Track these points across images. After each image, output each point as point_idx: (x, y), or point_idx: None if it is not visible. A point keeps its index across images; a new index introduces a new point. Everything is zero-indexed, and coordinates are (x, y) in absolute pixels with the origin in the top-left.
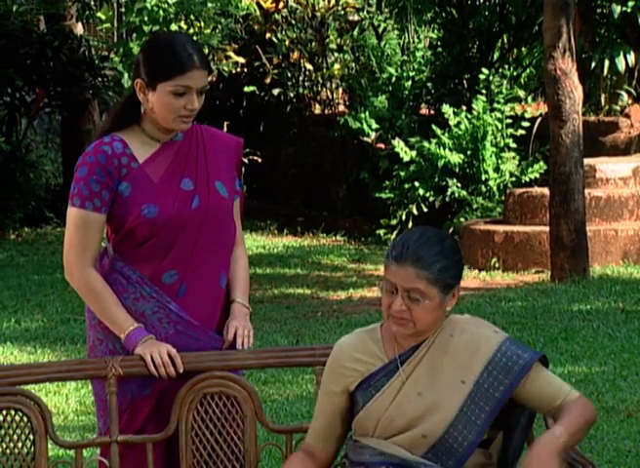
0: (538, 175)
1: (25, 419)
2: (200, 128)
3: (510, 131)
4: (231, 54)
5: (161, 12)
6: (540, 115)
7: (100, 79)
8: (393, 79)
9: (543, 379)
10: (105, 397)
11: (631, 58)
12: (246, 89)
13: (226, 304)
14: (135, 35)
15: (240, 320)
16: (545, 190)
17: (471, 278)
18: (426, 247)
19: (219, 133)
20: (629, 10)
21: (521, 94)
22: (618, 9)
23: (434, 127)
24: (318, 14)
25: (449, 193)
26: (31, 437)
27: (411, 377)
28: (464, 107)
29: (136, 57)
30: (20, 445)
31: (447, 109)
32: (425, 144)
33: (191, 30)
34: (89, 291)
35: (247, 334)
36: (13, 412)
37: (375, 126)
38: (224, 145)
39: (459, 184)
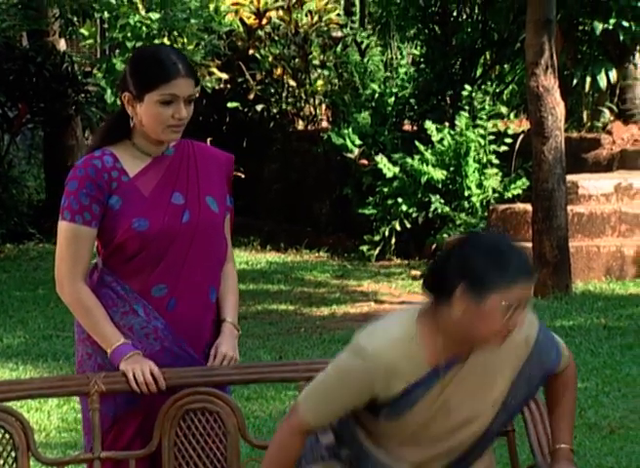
0: (520, 192)
1: (7, 436)
2: (191, 143)
3: (493, 147)
4: (215, 70)
5: (144, 28)
6: (523, 132)
7: (82, 95)
8: (376, 95)
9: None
10: (88, 413)
11: (613, 74)
12: (229, 105)
13: (216, 319)
14: (118, 51)
15: (229, 346)
16: (528, 206)
17: None
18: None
19: (209, 148)
20: (611, 27)
21: (503, 110)
22: (599, 26)
23: (417, 143)
24: (301, 30)
25: (432, 209)
26: (13, 454)
27: (452, 384)
28: (447, 124)
29: (121, 72)
30: (1, 462)
31: (430, 125)
32: (408, 160)
33: (175, 46)
34: (79, 305)
35: (231, 366)
36: None
37: (358, 142)
38: (215, 161)
39: (442, 200)
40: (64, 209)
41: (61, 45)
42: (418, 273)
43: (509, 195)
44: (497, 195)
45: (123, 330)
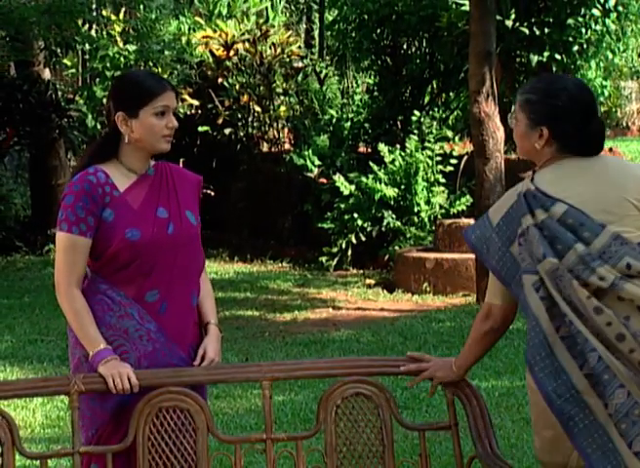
0: (465, 208)
1: None
2: (167, 165)
3: (440, 167)
4: (186, 97)
5: (122, 58)
6: (467, 153)
7: (65, 120)
8: (334, 120)
9: None
10: (88, 411)
11: None
12: (200, 128)
13: (197, 322)
14: (98, 80)
15: (215, 351)
16: (472, 221)
17: (405, 300)
18: (537, 81)
19: (183, 169)
20: (545, 59)
21: (449, 134)
22: (535, 58)
23: (371, 163)
24: (265, 61)
25: (385, 224)
26: None
27: None
28: (398, 146)
29: (101, 99)
30: None
31: (383, 148)
32: (363, 179)
33: None
34: (70, 309)
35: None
36: None
37: (317, 162)
38: (189, 181)
39: (393, 216)
40: (62, 221)
41: (46, 74)
42: (372, 282)
43: (455, 211)
44: (443, 211)
45: (119, 332)
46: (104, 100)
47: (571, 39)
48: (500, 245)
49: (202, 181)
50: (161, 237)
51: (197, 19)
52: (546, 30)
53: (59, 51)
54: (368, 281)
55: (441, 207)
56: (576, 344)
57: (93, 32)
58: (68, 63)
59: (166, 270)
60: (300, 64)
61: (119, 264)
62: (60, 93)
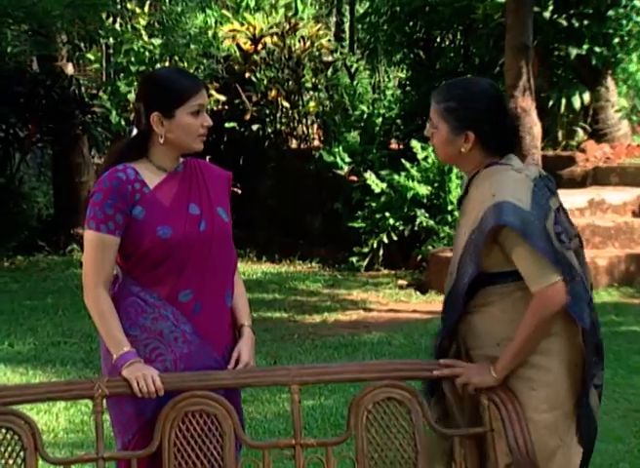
0: None
1: (16, 437)
2: (196, 161)
3: None
4: (213, 92)
5: (147, 53)
6: None
7: (89, 116)
8: (365, 116)
9: (510, 248)
10: (123, 416)
11: (586, 96)
12: (227, 125)
13: (231, 323)
14: (122, 75)
15: (250, 354)
16: None
17: (438, 302)
18: (452, 87)
19: (212, 165)
20: (584, 52)
21: None
22: (573, 51)
23: (403, 160)
24: (294, 55)
25: (417, 223)
26: (22, 454)
27: (460, 213)
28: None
29: (125, 94)
30: (10, 461)
31: (415, 144)
32: (395, 177)
33: None
34: (96, 309)
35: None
36: (4, 431)
37: (348, 160)
38: (218, 177)
39: (426, 214)
40: (90, 219)
41: (69, 69)
42: (404, 282)
43: None
44: None
45: (154, 334)
46: (129, 96)
47: (611, 31)
48: (542, 226)
49: (232, 177)
50: (193, 234)
51: (224, 11)
52: (585, 22)
53: (82, 45)
54: (400, 282)
55: None
56: None
57: (117, 26)
58: (92, 58)
59: (198, 269)
60: (330, 58)
61: (151, 263)
62: (83, 88)
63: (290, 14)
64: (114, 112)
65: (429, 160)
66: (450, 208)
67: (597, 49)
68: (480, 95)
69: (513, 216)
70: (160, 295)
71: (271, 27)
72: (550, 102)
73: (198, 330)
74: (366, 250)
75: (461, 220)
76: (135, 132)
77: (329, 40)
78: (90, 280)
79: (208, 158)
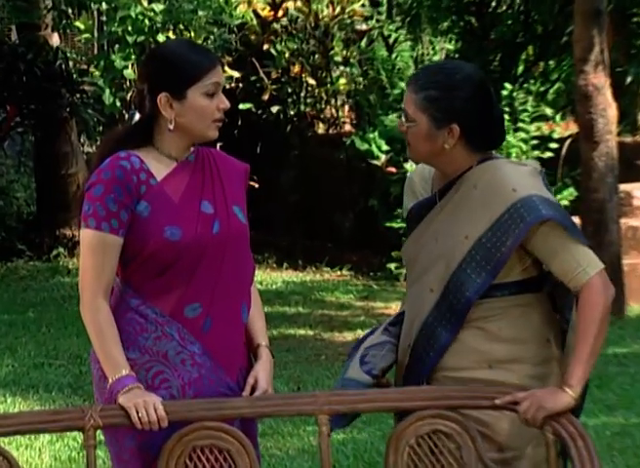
0: (567, 203)
1: None
2: (209, 150)
3: (536, 153)
4: (225, 67)
5: (147, 21)
6: (570, 136)
7: (78, 95)
8: None
9: (552, 244)
10: (121, 453)
11: None
12: (241, 106)
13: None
14: (117, 47)
15: (269, 380)
16: (576, 220)
17: None
18: (431, 73)
19: (227, 156)
20: None
21: (548, 112)
22: None
23: None
24: (322, 23)
25: None
26: None
27: (435, 220)
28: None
29: (120, 70)
30: None
31: None
32: None
33: None
34: (93, 323)
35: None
36: None
37: (385, 147)
38: (236, 169)
39: None
40: (89, 216)
41: (54, 40)
42: None
43: None
44: None
45: (157, 356)
46: (125, 72)
47: None
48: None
49: (249, 171)
50: (205, 237)
51: None
52: None
53: (69, 11)
54: None
55: None
56: None
57: None
58: (81, 27)
59: (210, 278)
60: (364, 27)
61: (154, 270)
62: (71, 63)
63: None
64: (108, 91)
65: None
66: None
67: None
68: (465, 81)
69: (552, 209)
70: (163, 310)
71: None
72: (628, 79)
73: (209, 350)
74: None
75: (443, 226)
76: (137, 117)
77: (363, 5)
78: (88, 288)
79: (218, 146)
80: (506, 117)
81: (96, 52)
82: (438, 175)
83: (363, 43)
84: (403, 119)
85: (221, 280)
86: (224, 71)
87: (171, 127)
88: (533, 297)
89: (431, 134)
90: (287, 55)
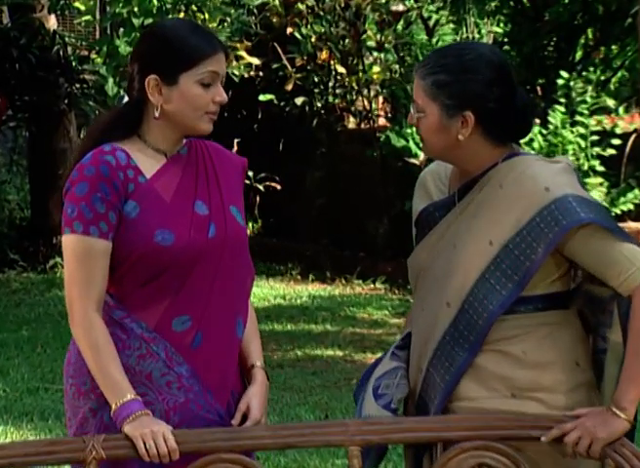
0: (632, 207)
1: None
2: (203, 143)
3: (597, 150)
4: (243, 53)
5: (155, 1)
6: (635, 131)
7: (77, 85)
8: None
9: (595, 246)
10: None
11: None
12: (262, 97)
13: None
14: (122, 30)
15: (263, 407)
16: None
17: None
18: (440, 56)
19: (223, 149)
20: None
21: (610, 103)
22: None
23: None
24: (352, 3)
25: None
26: None
27: (453, 224)
28: (538, 120)
29: (125, 56)
30: None
31: None
32: None
33: None
34: (87, 340)
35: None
36: None
37: None
38: (233, 165)
39: None
40: (74, 219)
41: (51, 23)
42: None
43: (618, 211)
44: None
45: (139, 377)
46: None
47: None
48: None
49: (247, 166)
50: (199, 242)
51: None
52: None
53: None
54: None
55: None
56: None
57: None
58: (82, 8)
59: (202, 288)
60: (401, 7)
61: (141, 278)
62: (70, 48)
63: None
64: (111, 80)
65: (535, 144)
66: None
67: None
68: (478, 62)
69: (592, 211)
70: (149, 324)
71: None
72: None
73: (197, 370)
74: None
75: (462, 231)
76: (125, 100)
77: None
78: (77, 302)
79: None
80: (562, 109)
81: (98, 36)
82: (456, 173)
83: (399, 26)
84: (412, 110)
85: (216, 290)
86: (239, 58)
87: (156, 114)
88: (561, 315)
89: (443, 124)
90: (313, 39)
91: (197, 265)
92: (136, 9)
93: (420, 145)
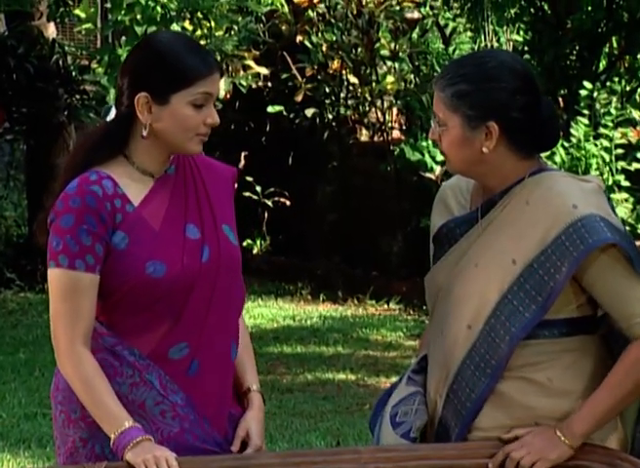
0: None
1: None
2: (191, 158)
3: (622, 164)
4: (251, 63)
5: (158, 8)
6: None
7: (77, 96)
8: None
9: (612, 278)
10: None
11: None
12: (270, 109)
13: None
14: (124, 39)
15: (261, 432)
16: None
17: None
18: (459, 66)
19: (212, 161)
20: None
21: (636, 115)
22: None
23: None
24: (365, 10)
25: None
26: None
27: (475, 242)
28: (560, 133)
29: (122, 68)
30: None
31: None
32: None
33: (199, 32)
34: (77, 375)
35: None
36: None
37: (440, 158)
38: (222, 177)
39: None
40: (59, 252)
41: (50, 31)
42: None
43: None
44: (627, 228)
45: (132, 407)
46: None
47: None
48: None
49: (236, 176)
50: (193, 268)
51: None
52: None
53: None
54: None
55: (623, 222)
56: None
57: None
58: (82, 16)
59: (199, 313)
60: (417, 15)
61: (133, 309)
62: (69, 58)
63: None
64: (112, 91)
65: (557, 158)
66: None
67: None
68: (500, 70)
69: (618, 235)
70: (143, 351)
71: None
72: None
73: (193, 398)
74: None
75: (485, 249)
76: (112, 115)
77: None
78: (63, 337)
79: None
80: (585, 122)
81: (99, 45)
82: (478, 188)
83: (415, 34)
84: (434, 124)
85: (211, 314)
86: (247, 68)
87: (144, 133)
88: (587, 340)
89: (466, 136)
90: (324, 48)
91: (192, 292)
92: (138, 16)
93: (437, 159)
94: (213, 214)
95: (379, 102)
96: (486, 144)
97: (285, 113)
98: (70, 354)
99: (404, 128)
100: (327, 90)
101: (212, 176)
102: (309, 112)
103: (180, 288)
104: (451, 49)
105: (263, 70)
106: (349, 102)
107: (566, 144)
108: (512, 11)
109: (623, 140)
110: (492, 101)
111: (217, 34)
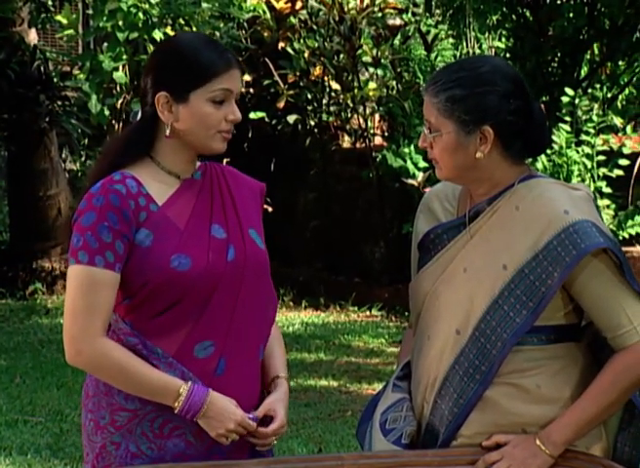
0: None
1: None
2: (218, 166)
3: (603, 171)
4: None
5: (140, 14)
6: None
7: (59, 103)
8: None
9: (601, 287)
10: None
11: None
12: (252, 115)
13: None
14: (106, 45)
15: (286, 414)
16: None
17: None
18: (451, 71)
19: (239, 173)
20: None
21: (617, 122)
22: None
23: None
24: (347, 16)
25: None
26: None
27: (464, 247)
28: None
29: (108, 72)
30: None
31: None
32: None
33: None
34: (109, 364)
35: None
36: None
37: (422, 164)
38: (250, 189)
39: None
40: (79, 249)
41: (32, 37)
42: None
43: (625, 235)
44: None
45: (161, 404)
46: (115, 75)
47: None
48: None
49: (265, 191)
50: (219, 265)
51: None
52: None
53: (50, 3)
54: None
55: None
56: None
57: None
58: (64, 22)
59: (224, 313)
60: (398, 22)
61: (159, 307)
62: (51, 64)
63: None
64: (94, 98)
65: (539, 165)
66: None
67: None
68: (494, 74)
69: (609, 240)
70: (166, 350)
71: None
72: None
73: (222, 393)
74: None
75: (474, 254)
76: (139, 116)
77: None
78: (82, 332)
79: (225, 161)
80: (567, 128)
81: (80, 51)
82: (466, 194)
83: (397, 40)
84: (426, 131)
85: (238, 314)
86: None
87: (167, 132)
88: (574, 348)
89: (461, 142)
90: (306, 54)
91: (217, 290)
92: (120, 22)
93: (419, 165)
94: (238, 218)
95: (361, 109)
96: (480, 149)
97: (267, 119)
98: (95, 347)
99: (386, 134)
100: (309, 96)
101: (238, 185)
102: (291, 119)
103: (204, 284)
104: (433, 55)
105: (245, 77)
106: (331, 109)
107: (548, 151)
108: (494, 18)
109: (605, 147)
110: (487, 105)
111: None
